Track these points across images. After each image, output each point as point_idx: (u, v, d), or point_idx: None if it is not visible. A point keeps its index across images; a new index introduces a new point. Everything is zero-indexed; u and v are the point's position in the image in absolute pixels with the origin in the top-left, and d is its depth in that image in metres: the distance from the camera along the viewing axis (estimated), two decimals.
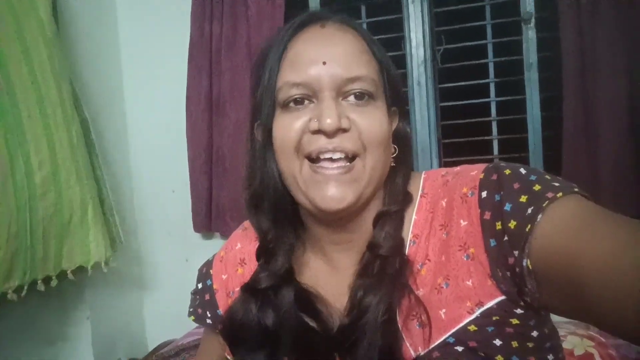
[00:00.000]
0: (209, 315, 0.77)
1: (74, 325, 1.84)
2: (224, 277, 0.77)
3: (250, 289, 0.67)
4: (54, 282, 1.55)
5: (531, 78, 1.80)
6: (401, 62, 1.93)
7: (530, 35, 1.78)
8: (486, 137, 1.95)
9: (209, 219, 2.00)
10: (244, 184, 0.68)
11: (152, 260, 2.17)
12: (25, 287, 1.47)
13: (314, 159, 0.59)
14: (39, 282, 1.51)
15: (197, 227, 2.02)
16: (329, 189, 0.58)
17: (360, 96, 0.60)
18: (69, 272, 1.59)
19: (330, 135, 0.58)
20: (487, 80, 1.93)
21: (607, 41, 1.55)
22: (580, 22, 1.58)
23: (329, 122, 0.57)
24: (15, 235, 1.41)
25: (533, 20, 1.77)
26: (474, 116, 1.97)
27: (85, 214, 1.63)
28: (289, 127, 0.60)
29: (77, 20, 1.89)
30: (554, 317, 0.61)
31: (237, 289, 0.72)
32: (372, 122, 0.59)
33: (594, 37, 1.57)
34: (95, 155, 1.77)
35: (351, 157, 0.59)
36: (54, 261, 1.55)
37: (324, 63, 0.58)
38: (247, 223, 0.79)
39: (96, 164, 1.78)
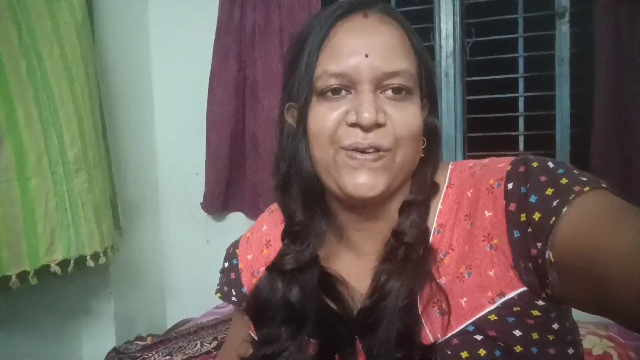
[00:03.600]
0: (234, 293, 0.78)
1: (97, 300, 1.89)
2: (249, 257, 0.78)
3: (275, 269, 0.69)
4: (101, 259, 1.61)
5: (562, 74, 1.76)
6: (430, 53, 1.91)
7: (563, 30, 1.75)
8: (512, 133, 1.92)
9: (231, 201, 2.04)
10: (273, 167, 0.69)
11: (174, 240, 2.22)
12: (72, 262, 1.52)
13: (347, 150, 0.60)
14: (88, 258, 1.56)
15: (209, 209, 2.06)
16: (361, 176, 0.59)
17: (397, 90, 0.59)
18: (101, 254, 1.63)
19: (366, 129, 0.58)
20: (516, 75, 1.90)
21: None
22: (617, 18, 1.54)
23: (367, 117, 0.57)
24: (55, 209, 1.46)
25: (567, 15, 1.73)
26: (501, 111, 1.94)
27: (105, 196, 1.67)
28: (325, 117, 0.60)
29: (108, 3, 1.91)
30: (575, 316, 0.60)
31: (262, 269, 0.73)
32: (407, 117, 0.60)
33: (631, 33, 1.53)
34: (106, 139, 1.78)
35: (385, 150, 0.59)
36: (99, 238, 1.60)
37: (366, 55, 0.58)
38: (274, 206, 0.80)
39: (104, 149, 1.79)
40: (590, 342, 1.24)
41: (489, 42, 1.91)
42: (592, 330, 1.29)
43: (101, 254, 1.61)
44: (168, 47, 2.17)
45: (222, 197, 2.04)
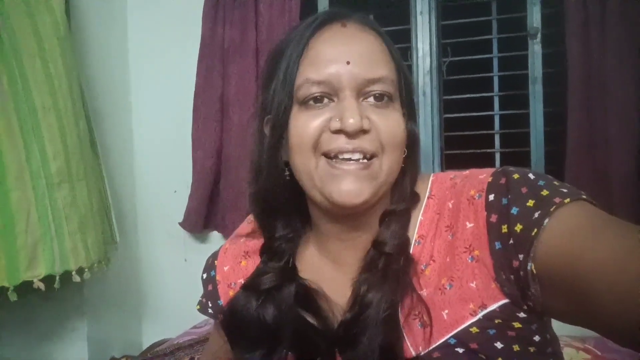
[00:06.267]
0: (210, 305, 0.77)
1: (70, 321, 1.83)
2: (226, 268, 0.77)
3: (252, 288, 0.68)
4: (86, 275, 1.55)
5: (536, 92, 1.81)
6: None
7: (536, 49, 1.80)
8: (488, 150, 1.96)
9: (209, 219, 2.02)
10: (249, 179, 0.68)
11: (151, 259, 2.18)
12: (58, 278, 1.46)
13: (331, 157, 0.60)
14: (74, 273, 1.51)
15: (192, 228, 2.03)
16: (347, 183, 0.58)
17: (380, 97, 0.60)
18: (86, 269, 1.58)
19: (351, 135, 0.58)
20: (491, 94, 1.95)
21: (614, 57, 1.56)
22: (588, 38, 1.60)
23: (352, 122, 0.57)
24: (37, 222, 1.42)
25: (539, 35, 1.79)
26: (478, 128, 1.98)
27: (91, 210, 1.63)
28: (307, 125, 0.59)
29: (88, 20, 1.91)
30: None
31: (240, 280, 0.72)
32: (391, 123, 0.60)
33: (601, 52, 1.58)
34: (96, 152, 1.78)
35: (369, 157, 0.59)
36: (84, 253, 1.55)
37: (348, 63, 0.58)
38: (252, 216, 0.80)
39: (96, 161, 1.78)
40: (568, 355, 1.26)
41: (464, 61, 1.96)
42: (569, 343, 1.31)
43: (86, 270, 1.55)
44: (147, 65, 2.16)
45: (204, 216, 2.01)
